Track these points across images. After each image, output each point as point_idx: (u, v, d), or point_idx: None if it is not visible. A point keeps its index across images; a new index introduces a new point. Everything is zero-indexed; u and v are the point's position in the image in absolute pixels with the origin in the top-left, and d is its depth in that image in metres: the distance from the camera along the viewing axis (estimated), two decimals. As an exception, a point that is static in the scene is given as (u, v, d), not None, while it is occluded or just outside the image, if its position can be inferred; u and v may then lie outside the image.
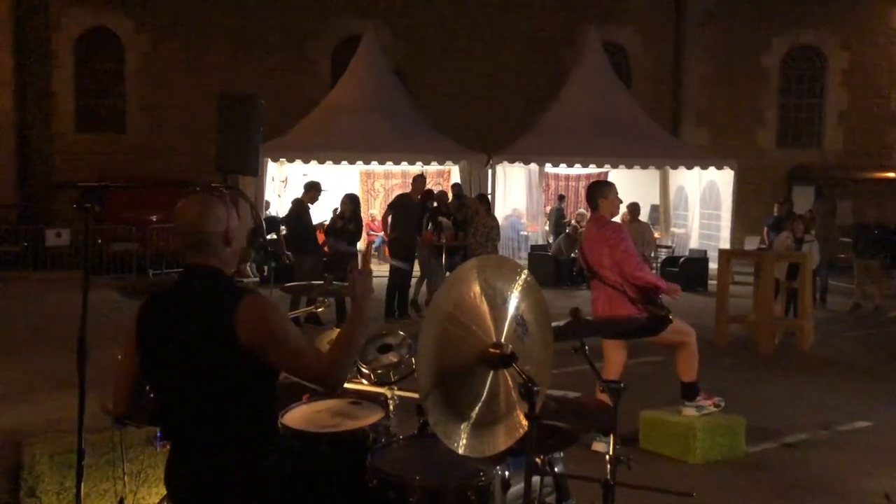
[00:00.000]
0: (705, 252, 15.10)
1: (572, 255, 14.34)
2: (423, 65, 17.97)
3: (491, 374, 2.27)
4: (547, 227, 16.48)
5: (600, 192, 5.29)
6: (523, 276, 2.40)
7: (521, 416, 2.27)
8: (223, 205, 2.50)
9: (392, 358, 3.31)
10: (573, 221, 15.94)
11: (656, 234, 15.96)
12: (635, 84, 18.48)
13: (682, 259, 14.84)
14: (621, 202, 5.62)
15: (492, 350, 2.24)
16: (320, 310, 3.82)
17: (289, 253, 9.58)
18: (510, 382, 2.29)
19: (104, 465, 4.37)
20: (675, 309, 11.72)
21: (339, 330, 3.53)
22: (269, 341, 2.32)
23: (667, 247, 15.78)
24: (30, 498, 4.20)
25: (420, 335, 2.27)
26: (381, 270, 10.77)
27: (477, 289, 2.28)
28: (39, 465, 4.65)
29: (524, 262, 14.60)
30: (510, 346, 2.26)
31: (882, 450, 5.47)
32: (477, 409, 2.25)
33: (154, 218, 14.29)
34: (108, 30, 17.61)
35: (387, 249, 10.91)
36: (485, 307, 2.29)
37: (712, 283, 12.61)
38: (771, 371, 7.95)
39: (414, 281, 10.68)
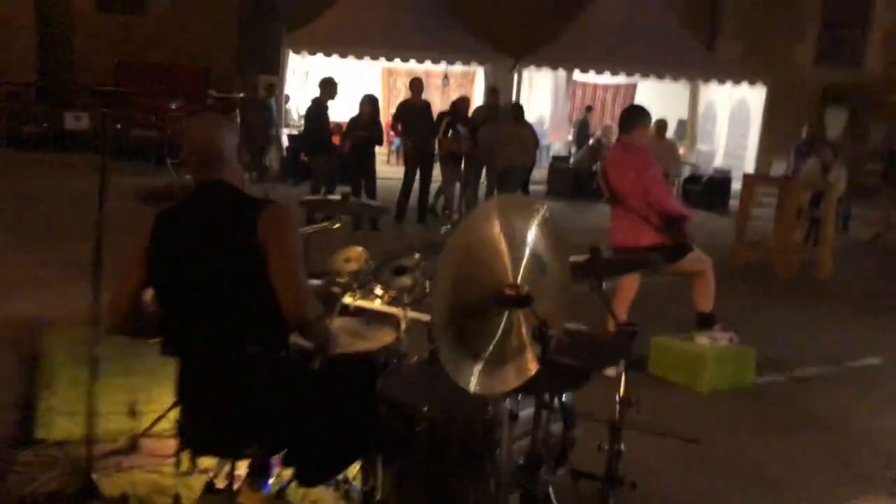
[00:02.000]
0: (729, 172, 14.84)
1: (593, 168, 14.15)
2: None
3: (506, 313, 2.23)
4: (570, 137, 16.21)
5: (639, 118, 5.15)
6: (542, 214, 2.33)
7: (533, 358, 2.25)
8: (225, 125, 2.53)
9: (406, 280, 3.27)
10: (598, 133, 15.67)
11: (681, 151, 15.69)
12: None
13: (705, 178, 14.61)
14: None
15: (508, 290, 2.20)
16: (336, 226, 3.77)
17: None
18: (524, 323, 2.25)
19: (120, 359, 4.43)
20: (697, 229, 11.68)
21: (360, 250, 3.52)
22: (276, 244, 2.34)
23: (692, 164, 15.53)
24: (45, 390, 4.29)
25: (437, 271, 2.23)
26: (399, 173, 10.68)
27: (497, 228, 2.22)
28: (55, 355, 4.71)
29: (544, 172, 14.44)
30: (527, 286, 2.22)
31: (890, 388, 5.47)
32: (490, 348, 2.22)
33: (173, 105, 14.14)
34: None
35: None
36: (503, 246, 2.23)
37: (734, 202, 12.44)
38: (786, 298, 7.92)
39: (434, 187, 10.64)
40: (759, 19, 17.75)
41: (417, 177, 10.28)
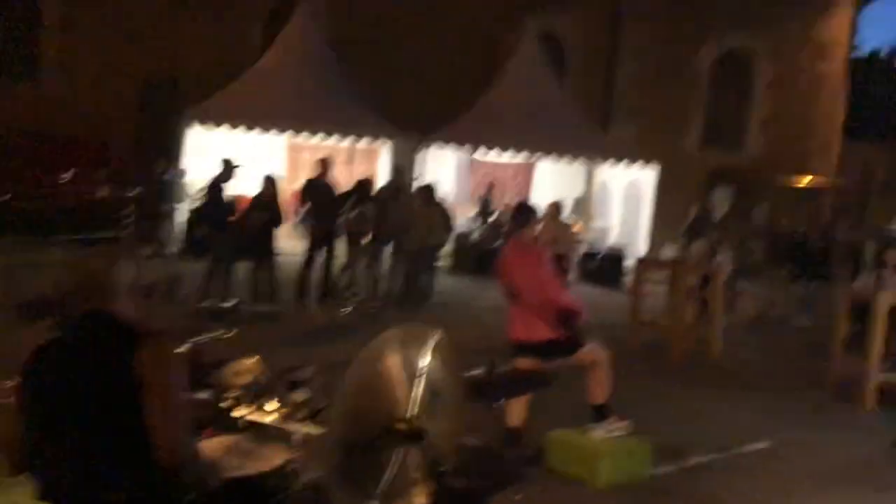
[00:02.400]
0: (623, 249, 15.39)
1: (495, 244, 14.40)
2: (358, 40, 17.55)
3: (399, 448, 2.21)
4: (473, 214, 16.49)
5: (528, 217, 5.32)
6: (436, 339, 2.35)
7: (424, 493, 2.23)
8: (117, 257, 2.49)
9: (301, 396, 3.20)
10: (498, 211, 16.00)
11: (577, 228, 16.18)
12: (569, 76, 18.54)
13: (600, 255, 15.10)
14: None
15: (400, 426, 2.19)
16: (229, 335, 3.67)
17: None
18: (416, 457, 2.24)
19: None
20: (593, 306, 11.91)
21: (254, 360, 3.43)
22: (152, 383, 2.25)
23: (588, 242, 16.02)
24: None
25: (330, 408, 2.20)
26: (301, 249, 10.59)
27: (392, 360, 2.22)
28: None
29: (448, 248, 14.57)
30: (420, 419, 2.21)
31: (776, 475, 5.67)
32: (381, 485, 2.19)
33: (65, 178, 13.62)
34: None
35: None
36: (399, 378, 2.23)
37: (628, 278, 12.86)
38: (678, 381, 8.16)
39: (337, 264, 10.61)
40: (650, 104, 18.72)
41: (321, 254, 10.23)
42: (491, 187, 16.54)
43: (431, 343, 2.30)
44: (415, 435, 2.18)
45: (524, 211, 5.47)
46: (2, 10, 16.57)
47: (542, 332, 5.10)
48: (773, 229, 13.61)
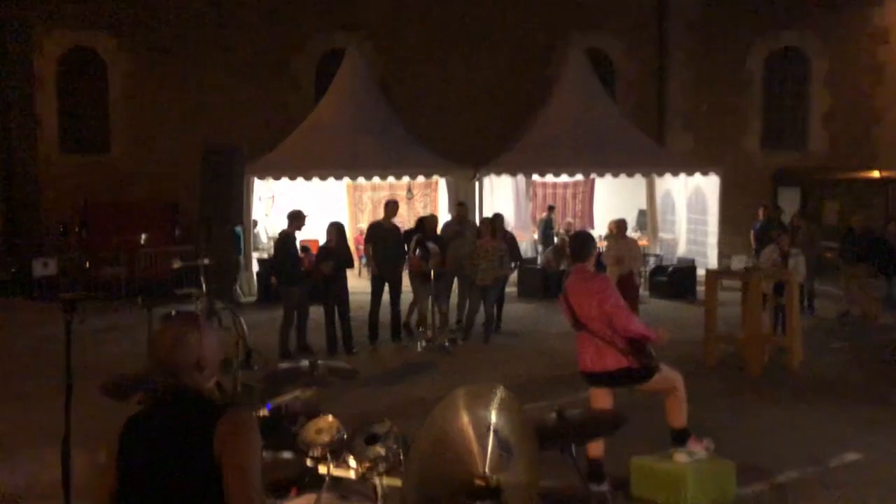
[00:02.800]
0: (693, 261, 15.16)
1: (560, 267, 14.38)
2: (406, 78, 17.91)
3: (477, 504, 2.28)
4: (536, 237, 16.50)
5: (588, 245, 5.33)
6: (500, 396, 2.41)
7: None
8: (196, 332, 2.55)
9: (380, 450, 3.30)
10: (561, 231, 15.98)
11: (643, 241, 16.03)
12: (620, 90, 18.47)
13: (670, 268, 14.90)
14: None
15: (478, 482, 2.26)
16: (307, 395, 3.81)
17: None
18: (496, 513, 2.30)
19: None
20: (666, 321, 11.81)
21: (332, 418, 3.57)
22: (230, 457, 2.34)
23: (655, 255, 15.83)
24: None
25: (405, 472, 2.28)
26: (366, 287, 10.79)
27: (461, 419, 2.30)
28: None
29: (513, 275, 14.61)
30: (496, 476, 2.28)
31: (872, 486, 5.51)
32: (464, 542, 2.26)
33: (142, 241, 14.22)
34: (91, 50, 17.46)
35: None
36: (471, 436, 2.30)
37: (701, 289, 12.66)
38: (760, 395, 7.99)
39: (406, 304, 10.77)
40: (705, 111, 18.48)
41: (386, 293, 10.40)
42: (551, 210, 16.55)
43: (496, 400, 2.37)
44: (493, 491, 2.25)
45: (581, 242, 5.47)
46: (73, 87, 17.48)
47: (613, 360, 5.11)
48: (846, 229, 13.20)
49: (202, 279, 7.11)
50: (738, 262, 9.53)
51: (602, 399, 5.32)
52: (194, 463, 2.36)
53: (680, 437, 5.32)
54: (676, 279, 14.38)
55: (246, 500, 2.33)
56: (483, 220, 11.17)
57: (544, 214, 16.58)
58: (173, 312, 6.61)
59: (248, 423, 2.43)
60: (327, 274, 9.52)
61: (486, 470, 2.28)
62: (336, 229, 9.90)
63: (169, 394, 2.53)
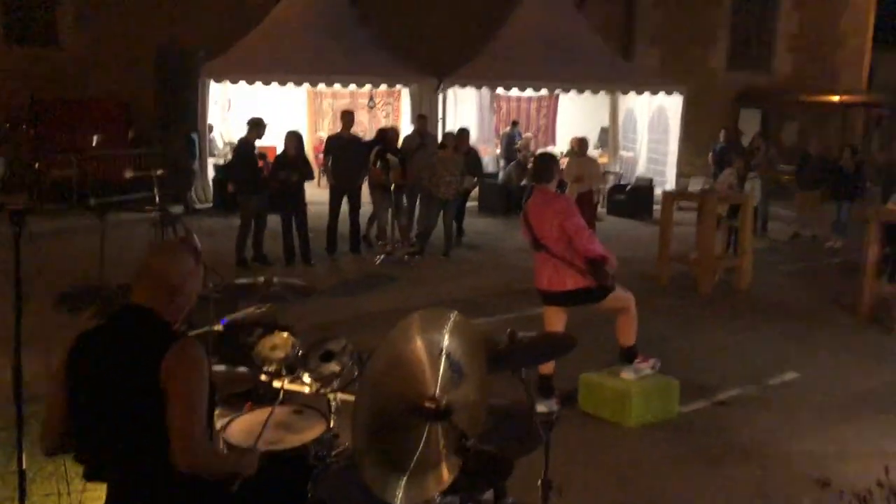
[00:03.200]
0: (651, 181, 15.27)
1: (522, 182, 14.39)
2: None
3: (427, 425, 2.33)
4: (499, 151, 16.42)
5: (551, 166, 5.31)
6: (453, 319, 2.44)
7: (450, 467, 2.35)
8: (190, 258, 2.53)
9: (334, 367, 3.34)
10: (521, 146, 15.90)
11: (604, 159, 16.08)
12: (589, 3, 18.13)
13: (628, 187, 15.02)
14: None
15: (428, 404, 2.30)
16: (262, 310, 3.81)
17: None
18: (442, 434, 2.35)
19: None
20: (623, 239, 11.97)
21: (285, 334, 3.58)
22: (174, 389, 2.34)
23: (615, 173, 15.91)
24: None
25: (357, 394, 2.31)
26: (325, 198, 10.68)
27: (415, 343, 2.32)
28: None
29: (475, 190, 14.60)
30: (445, 397, 2.32)
31: (808, 406, 5.76)
32: (412, 461, 2.31)
33: (94, 142, 13.79)
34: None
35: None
36: (423, 359, 2.33)
37: (657, 208, 12.83)
38: (708, 315, 8.23)
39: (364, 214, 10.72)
40: (672, 27, 18.29)
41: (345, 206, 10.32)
42: (514, 125, 16.42)
43: (450, 324, 2.39)
44: (442, 412, 2.29)
45: (545, 163, 5.45)
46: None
47: (570, 281, 5.18)
48: (803, 154, 13.38)
49: (156, 191, 6.97)
50: (695, 184, 9.65)
51: (556, 317, 5.42)
52: (138, 387, 2.35)
53: (628, 355, 5.47)
54: (634, 198, 14.53)
55: (188, 436, 2.33)
56: (446, 134, 11.04)
57: (507, 129, 16.46)
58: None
59: (196, 357, 2.40)
60: (287, 183, 9.36)
61: (437, 392, 2.32)
62: (295, 138, 9.71)
63: (127, 311, 2.50)
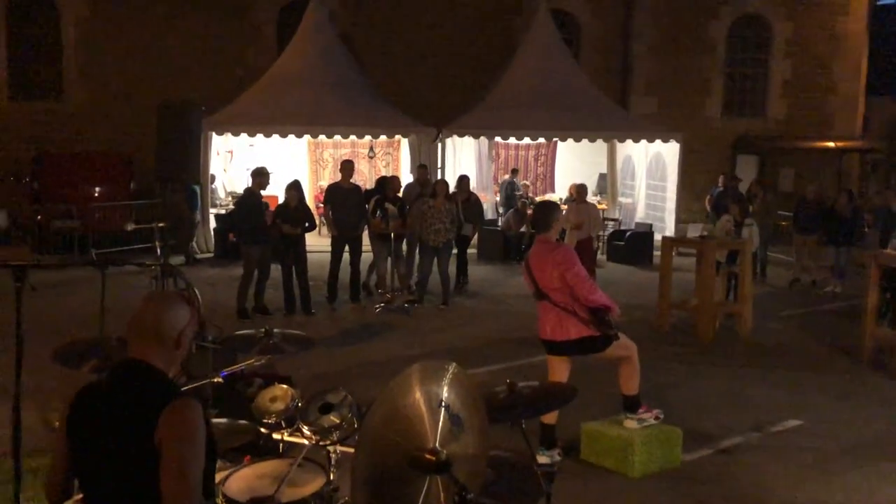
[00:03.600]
0: (650, 226, 15.35)
1: (521, 229, 14.47)
2: (370, 33, 17.65)
3: (427, 479, 2.32)
4: (498, 199, 16.53)
5: (552, 215, 5.34)
6: (451, 371, 2.44)
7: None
8: (184, 307, 2.53)
9: (334, 419, 3.32)
10: (520, 194, 16.02)
11: (603, 205, 16.18)
12: (584, 53, 18.46)
13: (628, 233, 15.09)
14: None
15: (427, 456, 2.29)
16: (261, 363, 3.81)
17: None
18: (443, 488, 2.34)
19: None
20: (623, 285, 11.97)
21: (284, 386, 3.58)
22: (169, 446, 2.31)
23: (614, 219, 15.99)
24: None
25: (356, 447, 2.31)
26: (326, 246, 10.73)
27: (414, 394, 2.32)
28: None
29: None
30: (444, 451, 2.31)
31: (811, 453, 5.71)
32: (412, 515, 2.30)
33: (96, 193, 13.93)
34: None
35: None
36: (423, 412, 2.33)
37: (657, 254, 12.87)
38: (710, 361, 8.19)
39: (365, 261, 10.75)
40: (668, 76, 18.56)
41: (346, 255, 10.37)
42: (514, 173, 16.57)
43: (448, 376, 2.39)
44: (442, 465, 2.28)
45: (546, 209, 5.48)
46: (24, 30, 16.88)
47: (574, 330, 5.16)
48: (800, 199, 13.48)
49: (157, 243, 7.01)
50: (693, 230, 9.69)
51: (560, 367, 5.40)
52: (135, 444, 2.34)
53: (631, 405, 5.43)
54: (633, 244, 14.59)
55: (178, 493, 2.29)
56: (436, 182, 11.08)
57: (507, 176, 16.60)
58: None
59: (191, 419, 2.37)
60: (291, 236, 9.43)
61: (437, 444, 2.31)
62: (296, 189, 9.80)
63: (123, 368, 2.50)
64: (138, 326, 2.49)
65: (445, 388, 2.39)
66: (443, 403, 2.37)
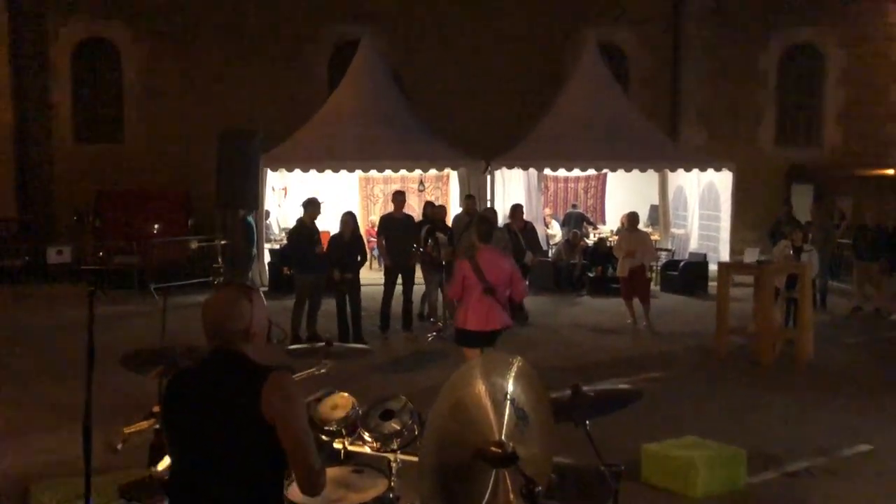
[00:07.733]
0: (705, 256, 15.13)
1: (571, 260, 14.40)
2: (420, 69, 17.91)
3: (493, 472, 2.30)
4: (548, 231, 16.49)
5: (493, 230, 7.15)
6: (517, 364, 2.44)
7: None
8: (247, 299, 2.60)
9: (395, 425, 3.34)
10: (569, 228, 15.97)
11: (656, 236, 16.00)
12: (633, 85, 18.43)
13: (681, 263, 14.88)
14: None
15: (494, 449, 2.27)
16: (322, 371, 3.85)
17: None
18: (510, 481, 2.32)
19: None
20: (678, 314, 11.81)
21: (346, 394, 3.61)
22: (282, 419, 2.42)
23: (667, 250, 15.80)
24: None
25: (423, 436, 2.31)
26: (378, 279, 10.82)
27: (479, 387, 2.32)
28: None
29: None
30: (511, 443, 2.29)
31: (883, 477, 5.51)
32: (480, 508, 2.28)
33: (155, 230, 14.30)
34: (105, 39, 17.54)
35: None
36: (487, 404, 2.32)
37: (712, 284, 12.65)
38: (770, 387, 7.98)
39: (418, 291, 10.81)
40: (719, 105, 18.41)
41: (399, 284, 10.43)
42: (574, 207, 16.59)
43: (513, 369, 2.39)
44: (508, 458, 2.26)
45: (488, 227, 6.90)
46: (87, 76, 17.58)
47: (504, 319, 6.71)
48: (859, 225, 13.18)
49: (220, 259, 7.17)
50: (750, 255, 9.52)
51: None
52: (240, 421, 2.43)
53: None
54: (687, 274, 14.36)
55: (308, 467, 2.46)
56: (479, 213, 11.12)
57: (570, 209, 16.68)
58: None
59: (293, 386, 2.52)
60: (344, 280, 9.54)
61: (503, 437, 2.30)
62: (351, 220, 9.89)
63: (218, 353, 2.57)
64: (208, 324, 2.58)
65: (511, 381, 2.38)
66: (508, 396, 2.36)
